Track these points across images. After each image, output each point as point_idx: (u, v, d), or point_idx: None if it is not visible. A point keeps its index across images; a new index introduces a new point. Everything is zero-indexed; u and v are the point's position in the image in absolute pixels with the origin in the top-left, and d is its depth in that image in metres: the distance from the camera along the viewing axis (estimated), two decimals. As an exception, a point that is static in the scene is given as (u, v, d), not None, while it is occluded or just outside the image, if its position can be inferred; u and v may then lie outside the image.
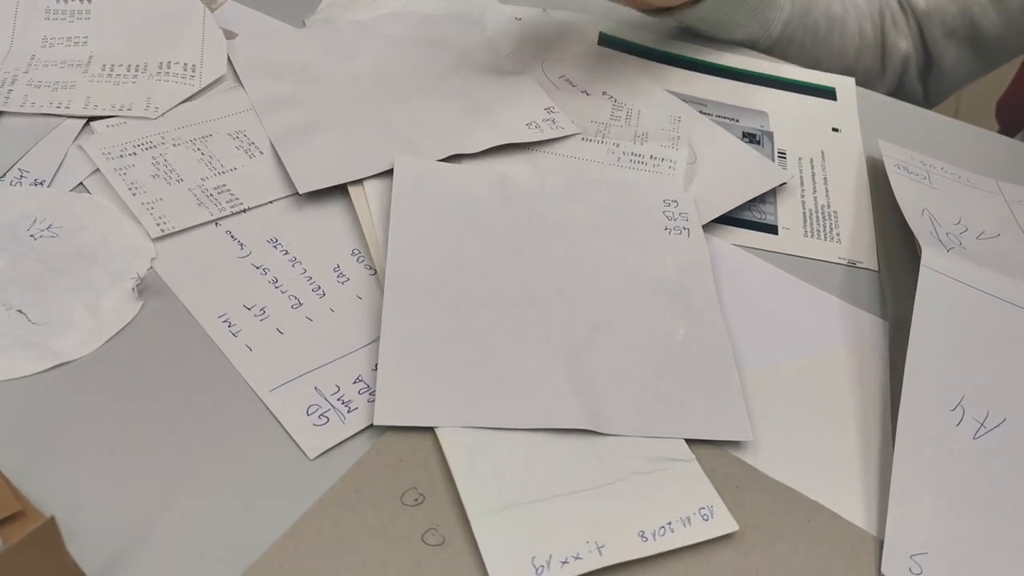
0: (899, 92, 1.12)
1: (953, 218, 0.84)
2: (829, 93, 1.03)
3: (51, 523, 0.52)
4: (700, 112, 0.97)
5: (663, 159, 0.89)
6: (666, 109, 0.96)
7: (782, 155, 0.94)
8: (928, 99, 1.15)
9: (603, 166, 0.88)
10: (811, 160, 0.94)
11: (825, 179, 0.92)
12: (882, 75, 1.10)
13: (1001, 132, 1.38)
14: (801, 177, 0.91)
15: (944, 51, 1.08)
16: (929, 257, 0.77)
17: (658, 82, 1.00)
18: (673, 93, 0.99)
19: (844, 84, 1.04)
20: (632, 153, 0.90)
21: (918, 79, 1.12)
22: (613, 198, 0.84)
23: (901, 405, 0.69)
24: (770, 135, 0.96)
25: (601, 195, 0.85)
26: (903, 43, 1.08)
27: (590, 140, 0.91)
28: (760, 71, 1.04)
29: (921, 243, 0.79)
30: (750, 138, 0.95)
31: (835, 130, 0.98)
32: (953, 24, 1.08)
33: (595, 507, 0.64)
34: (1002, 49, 1.09)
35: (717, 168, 0.90)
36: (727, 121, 0.97)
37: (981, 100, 2.08)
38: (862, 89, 1.03)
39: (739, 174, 0.89)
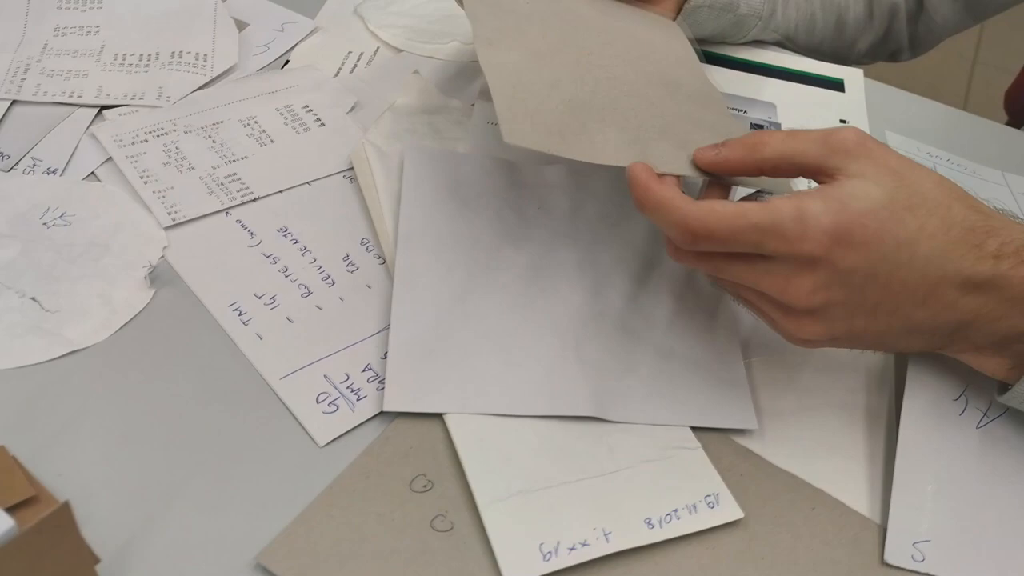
0: (886, 41, 1.12)
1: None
2: (837, 85, 1.03)
3: (65, 508, 0.52)
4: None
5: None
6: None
7: (790, 146, 0.94)
8: (913, 49, 1.15)
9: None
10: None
11: (832, 170, 0.92)
12: (870, 21, 1.10)
13: (1010, 123, 1.39)
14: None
15: (939, 3, 1.09)
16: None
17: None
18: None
19: (852, 76, 1.04)
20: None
21: (906, 28, 1.12)
22: (618, 185, 0.85)
23: (905, 394, 0.70)
24: (778, 126, 0.96)
25: (605, 182, 0.85)
26: None
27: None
28: (768, 62, 1.04)
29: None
30: (758, 129, 0.95)
31: (843, 121, 0.98)
32: None
33: (602, 494, 0.65)
34: (995, 2, 1.09)
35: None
36: (735, 112, 0.97)
37: (991, 91, 2.08)
38: (870, 80, 1.04)
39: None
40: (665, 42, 0.85)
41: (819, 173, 0.63)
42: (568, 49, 0.77)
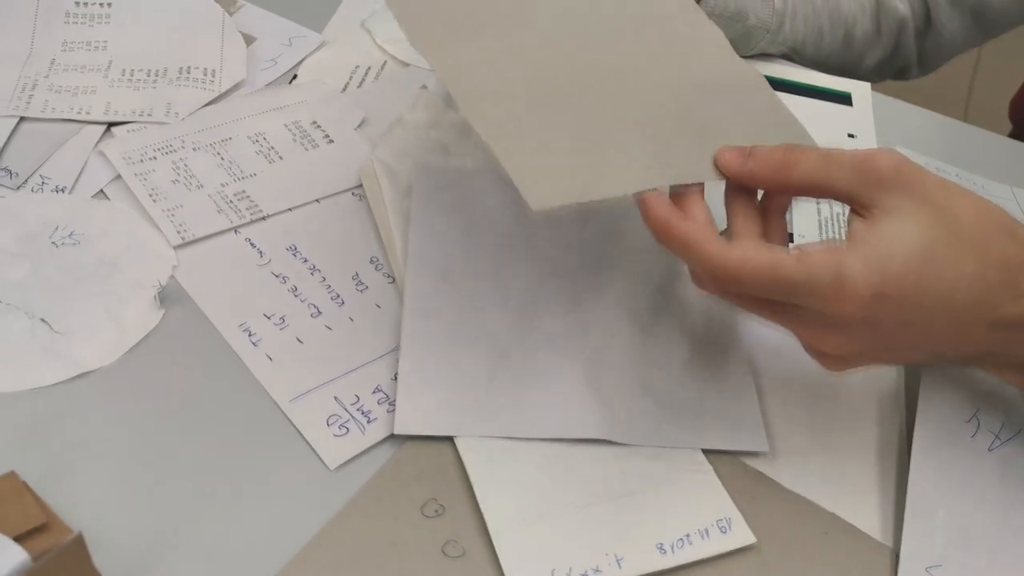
0: (894, 57, 1.12)
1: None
2: (844, 98, 1.03)
3: (79, 540, 0.52)
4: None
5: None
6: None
7: (798, 161, 0.93)
8: (921, 66, 1.15)
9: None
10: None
11: (841, 185, 0.92)
12: (878, 37, 1.09)
13: (1014, 132, 1.39)
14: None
15: (948, 19, 1.08)
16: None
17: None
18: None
19: (859, 89, 1.04)
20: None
21: (914, 44, 1.12)
22: (629, 202, 0.84)
23: (917, 417, 0.70)
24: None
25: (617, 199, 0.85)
26: (901, 6, 1.08)
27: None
28: (775, 75, 1.04)
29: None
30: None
31: (851, 136, 0.98)
32: None
33: (614, 519, 0.64)
34: (1005, 20, 1.08)
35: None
36: (743, 126, 0.96)
37: (992, 99, 2.08)
38: (877, 94, 1.03)
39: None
40: (688, 26, 0.79)
41: (852, 202, 0.61)
42: (551, 43, 0.73)
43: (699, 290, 0.66)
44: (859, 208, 0.61)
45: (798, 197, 0.66)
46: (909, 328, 0.61)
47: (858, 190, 0.60)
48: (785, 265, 0.58)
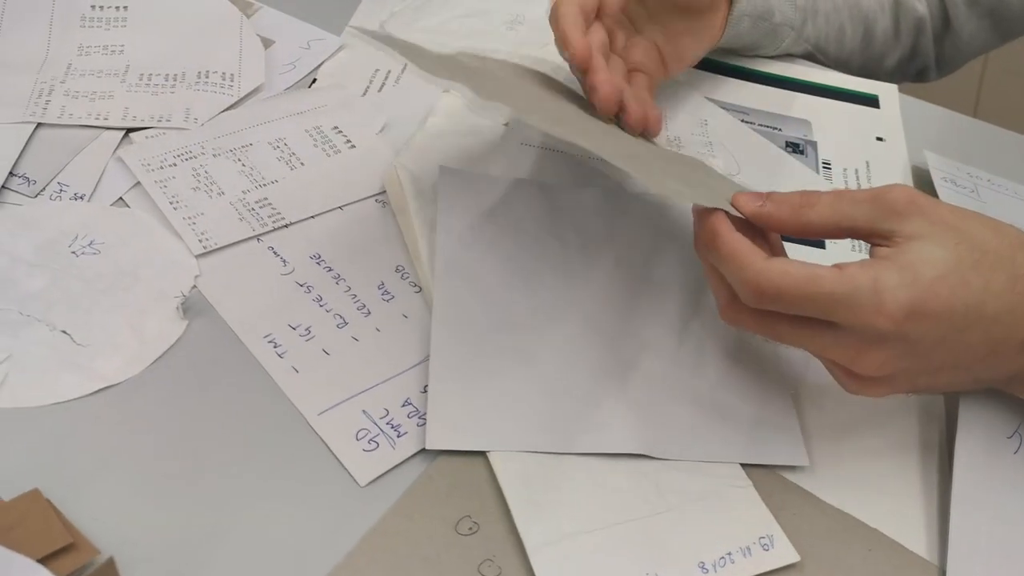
0: (913, 58, 1.11)
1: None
2: (872, 100, 1.01)
3: (110, 564, 0.51)
4: (743, 121, 0.95)
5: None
6: (695, 113, 0.94)
7: (827, 166, 0.92)
8: (940, 68, 1.14)
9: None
10: (856, 171, 0.92)
11: (871, 191, 0.90)
12: (896, 37, 1.08)
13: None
14: (847, 189, 0.90)
15: (965, 19, 1.07)
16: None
17: (697, 90, 0.99)
18: (714, 101, 0.97)
19: (887, 91, 1.03)
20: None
21: (932, 45, 1.10)
22: (657, 207, 0.83)
23: (958, 433, 0.68)
24: (814, 144, 0.95)
25: (643, 205, 0.83)
26: (919, 5, 1.07)
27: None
28: (800, 77, 1.02)
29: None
30: (793, 147, 0.94)
31: (879, 139, 0.96)
32: None
33: (653, 536, 0.63)
34: (1022, 21, 1.07)
35: (761, 179, 0.88)
36: (769, 130, 0.95)
37: (1003, 94, 2.07)
38: (905, 96, 1.02)
39: (784, 186, 0.87)
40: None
41: (872, 236, 0.62)
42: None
43: (730, 322, 0.66)
44: (880, 240, 0.62)
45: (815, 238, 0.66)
46: (943, 346, 0.61)
47: (877, 223, 0.62)
48: (826, 278, 0.59)
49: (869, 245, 0.63)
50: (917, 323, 0.59)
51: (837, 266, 0.60)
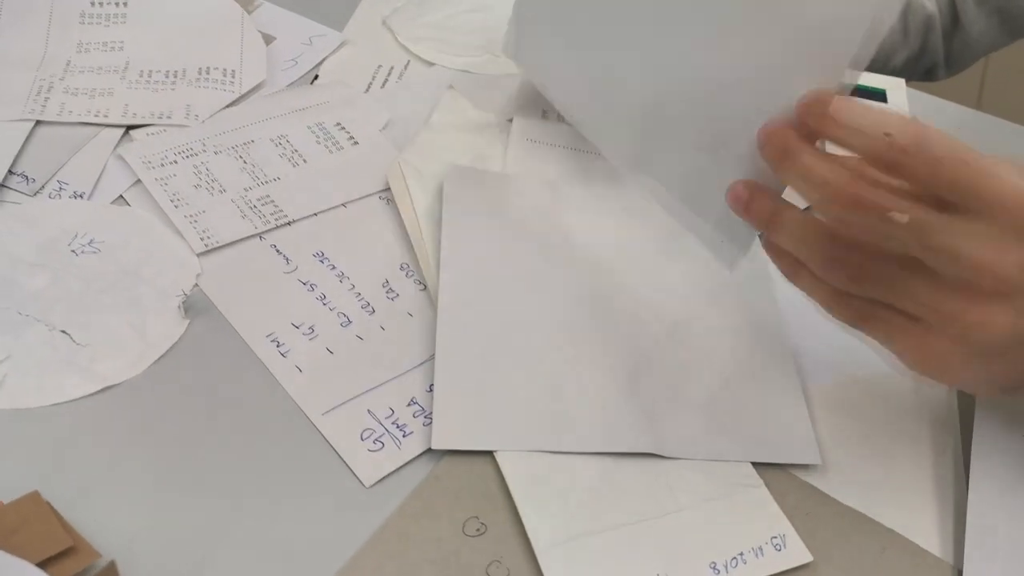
0: (921, 56, 1.10)
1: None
2: (879, 96, 1.00)
3: (111, 567, 0.50)
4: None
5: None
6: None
7: (835, 160, 0.91)
8: (949, 67, 1.13)
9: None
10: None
11: (880, 185, 0.89)
12: (904, 36, 1.07)
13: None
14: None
15: (974, 18, 1.06)
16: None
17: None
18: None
19: (894, 85, 1.01)
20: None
21: (942, 43, 1.09)
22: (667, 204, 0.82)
23: (974, 432, 0.67)
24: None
25: (654, 202, 0.82)
26: (928, 3, 1.06)
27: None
28: (808, 72, 1.01)
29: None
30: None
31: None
32: None
33: (664, 537, 0.62)
34: None
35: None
36: (777, 125, 0.94)
37: (1006, 87, 2.06)
38: (913, 91, 1.00)
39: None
40: None
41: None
42: None
43: (848, 207, 0.56)
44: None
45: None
46: None
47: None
48: (972, 152, 0.54)
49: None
50: None
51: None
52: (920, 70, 1.12)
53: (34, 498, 0.59)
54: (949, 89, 1.16)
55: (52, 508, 0.59)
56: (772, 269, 0.66)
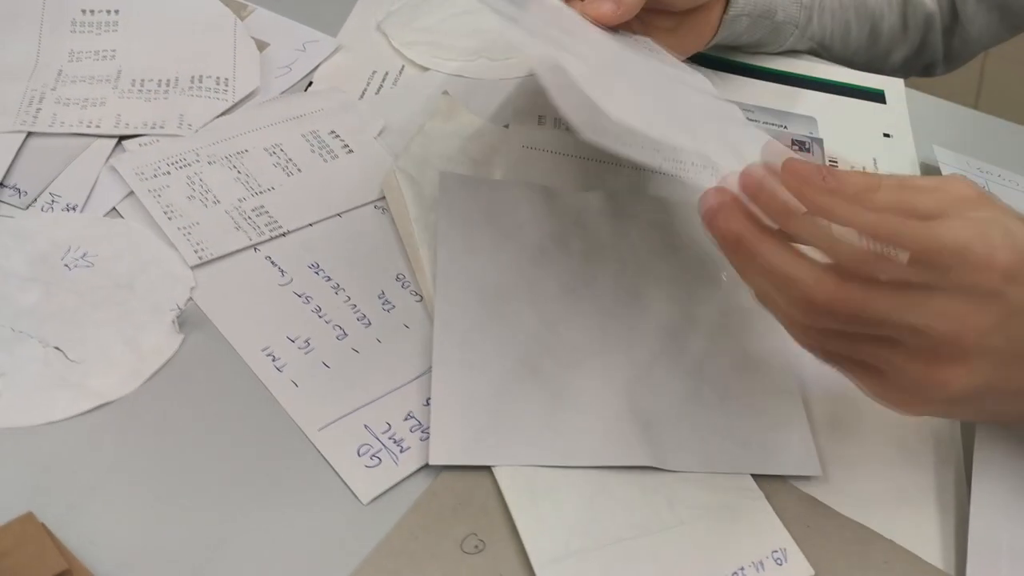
0: (920, 53, 1.09)
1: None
2: (878, 96, 1.00)
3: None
4: (747, 119, 0.93)
5: (705, 166, 0.86)
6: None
7: (833, 163, 0.91)
8: (948, 63, 1.12)
9: (645, 173, 0.85)
10: (863, 168, 0.91)
11: (879, 188, 0.88)
12: (904, 33, 1.06)
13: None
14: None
15: (974, 14, 1.05)
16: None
17: (701, 88, 0.97)
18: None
19: (893, 86, 1.01)
20: (674, 160, 0.87)
21: (941, 40, 1.09)
22: (662, 211, 0.81)
23: (976, 441, 0.67)
24: (819, 142, 0.93)
25: (648, 209, 0.82)
26: (928, 1, 1.05)
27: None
28: (805, 73, 1.01)
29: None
30: (799, 145, 0.92)
31: (886, 135, 0.95)
32: None
33: (664, 552, 0.61)
34: None
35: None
36: (775, 128, 0.94)
37: (1004, 84, 2.05)
38: (911, 91, 1.00)
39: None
40: None
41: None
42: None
43: (828, 299, 0.58)
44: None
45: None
46: None
47: (942, 212, 0.57)
48: (934, 225, 0.55)
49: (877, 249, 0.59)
50: (1020, 286, 0.55)
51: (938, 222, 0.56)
52: (918, 66, 1.12)
53: (28, 519, 0.58)
54: (947, 88, 1.16)
55: (46, 529, 0.58)
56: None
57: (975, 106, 1.03)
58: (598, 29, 0.76)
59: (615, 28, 0.80)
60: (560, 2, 0.76)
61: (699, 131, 0.65)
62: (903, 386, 0.60)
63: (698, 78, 0.80)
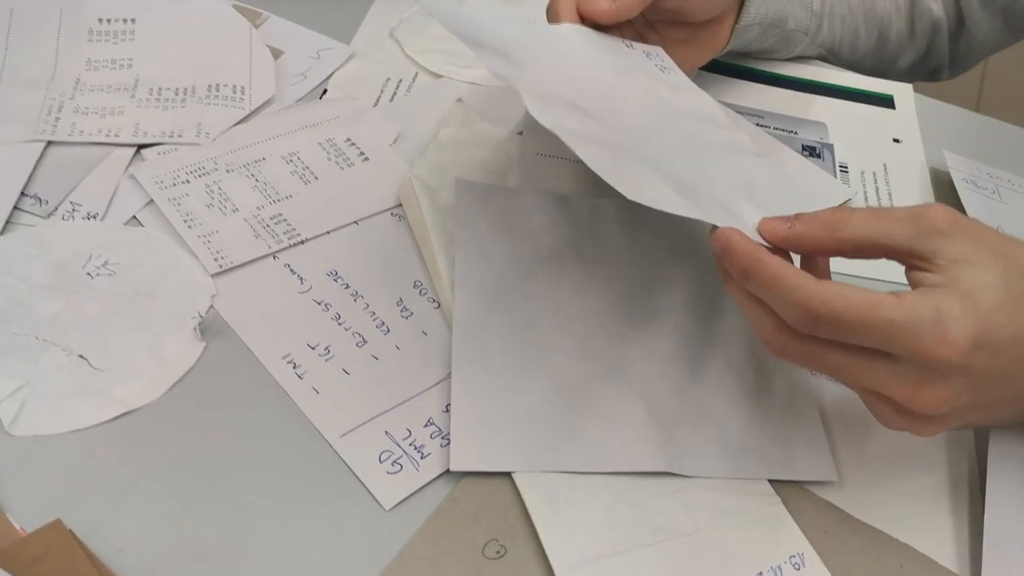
0: (927, 58, 1.10)
1: (1025, 236, 0.82)
2: (887, 101, 1.00)
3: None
4: (757, 124, 0.94)
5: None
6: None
7: (844, 169, 0.92)
8: (953, 68, 1.13)
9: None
10: (874, 174, 0.92)
11: (889, 194, 0.90)
12: (911, 39, 1.07)
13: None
14: (865, 193, 0.89)
15: (980, 19, 1.06)
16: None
17: (710, 94, 0.97)
18: (727, 105, 0.96)
19: (902, 91, 1.02)
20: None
21: (947, 45, 1.10)
22: (675, 217, 0.82)
23: (990, 446, 0.67)
24: (830, 147, 0.94)
25: (661, 214, 0.82)
26: (935, 7, 1.06)
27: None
28: (814, 79, 1.02)
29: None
30: (810, 151, 0.93)
31: (896, 141, 0.96)
32: None
33: (683, 557, 0.62)
34: None
35: (778, 185, 0.87)
36: (785, 134, 0.94)
37: (1006, 87, 2.06)
38: (919, 96, 1.01)
39: (801, 191, 0.87)
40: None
41: (910, 257, 0.60)
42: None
43: (777, 353, 0.62)
44: (920, 262, 0.59)
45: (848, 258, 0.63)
46: (1004, 378, 0.58)
47: (917, 242, 0.59)
48: (885, 303, 0.56)
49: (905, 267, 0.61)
50: (981, 354, 0.56)
51: (894, 294, 0.57)
52: (925, 71, 1.13)
53: (56, 527, 0.59)
54: (948, 91, 1.17)
55: (75, 536, 0.59)
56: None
57: (977, 109, 1.03)
58: (602, 65, 0.76)
59: (625, 37, 0.81)
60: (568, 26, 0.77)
61: (703, 198, 0.66)
62: (878, 414, 0.62)
63: (706, 101, 0.81)
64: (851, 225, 0.60)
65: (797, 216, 0.63)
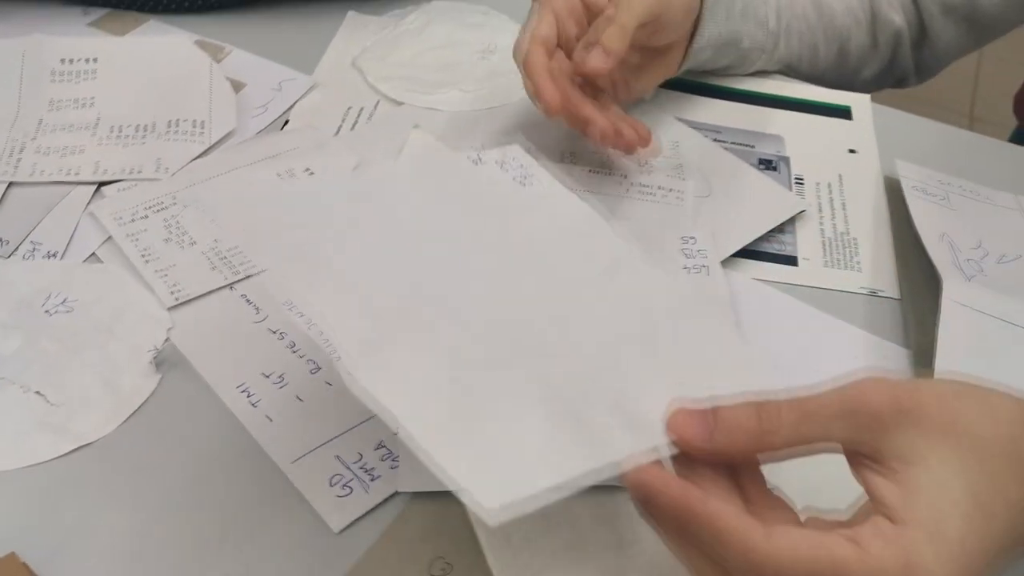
0: (892, 68, 1.11)
1: (973, 242, 0.83)
2: (844, 112, 1.02)
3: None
4: (715, 140, 0.95)
5: (671, 189, 0.88)
6: (665, 135, 0.95)
7: (799, 181, 0.93)
8: (919, 75, 1.14)
9: (612, 198, 0.87)
10: (828, 185, 0.93)
11: (844, 204, 0.91)
12: (874, 49, 1.08)
13: (1020, 127, 1.37)
14: (819, 204, 0.90)
15: (941, 28, 1.07)
16: (950, 288, 0.76)
17: (667, 111, 0.99)
18: (684, 121, 0.97)
19: (859, 102, 1.03)
20: (640, 184, 0.89)
21: (911, 54, 1.11)
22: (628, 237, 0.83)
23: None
24: (787, 160, 0.95)
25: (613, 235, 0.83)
26: (896, 17, 1.07)
27: (597, 172, 0.90)
28: (773, 92, 1.03)
29: (942, 273, 0.77)
30: (766, 164, 0.94)
31: (852, 151, 0.97)
32: (952, 1, 1.07)
33: (626, 570, 0.63)
34: (1001, 24, 1.07)
35: (732, 200, 0.89)
36: (743, 148, 0.96)
37: (997, 98, 2.07)
38: (877, 105, 1.02)
39: (755, 204, 0.88)
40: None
41: (853, 454, 0.52)
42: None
43: None
44: (865, 460, 0.51)
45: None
46: None
47: (858, 442, 0.51)
48: (849, 560, 0.47)
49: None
50: None
51: (854, 540, 0.48)
52: (891, 80, 1.14)
53: (11, 560, 0.60)
54: (941, 103, 1.18)
55: (29, 569, 0.60)
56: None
57: (970, 115, 1.04)
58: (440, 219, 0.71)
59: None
60: None
61: (591, 412, 0.61)
62: None
63: (575, 208, 0.75)
64: (781, 435, 0.52)
65: (716, 418, 0.53)
